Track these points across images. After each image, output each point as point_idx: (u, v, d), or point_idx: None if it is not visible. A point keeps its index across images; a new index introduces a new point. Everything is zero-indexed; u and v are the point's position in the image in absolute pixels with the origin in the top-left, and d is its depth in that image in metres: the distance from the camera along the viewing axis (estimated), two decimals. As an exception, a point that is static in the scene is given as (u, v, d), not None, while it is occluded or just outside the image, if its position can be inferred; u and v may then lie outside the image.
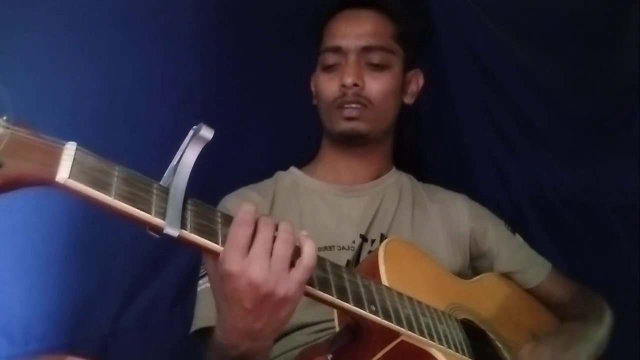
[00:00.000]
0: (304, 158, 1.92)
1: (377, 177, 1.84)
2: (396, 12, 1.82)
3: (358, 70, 1.72)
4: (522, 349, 1.42)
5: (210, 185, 1.70)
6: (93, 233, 1.71)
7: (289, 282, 1.03)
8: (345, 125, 1.73)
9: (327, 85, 1.77)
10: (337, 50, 1.76)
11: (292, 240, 1.04)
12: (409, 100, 1.87)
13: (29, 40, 1.63)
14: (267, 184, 1.83)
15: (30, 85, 1.62)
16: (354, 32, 1.76)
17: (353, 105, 1.71)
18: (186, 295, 1.86)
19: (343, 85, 1.71)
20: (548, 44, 1.99)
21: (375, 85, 1.73)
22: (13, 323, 1.65)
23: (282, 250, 1.03)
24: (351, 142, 1.77)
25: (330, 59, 1.77)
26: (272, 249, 1.03)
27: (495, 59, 2.12)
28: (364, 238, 1.71)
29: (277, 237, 1.04)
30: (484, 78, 2.17)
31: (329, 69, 1.78)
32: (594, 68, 1.93)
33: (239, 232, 1.02)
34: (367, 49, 1.74)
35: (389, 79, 1.76)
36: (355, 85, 1.71)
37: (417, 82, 1.89)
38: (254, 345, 1.13)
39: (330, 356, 1.29)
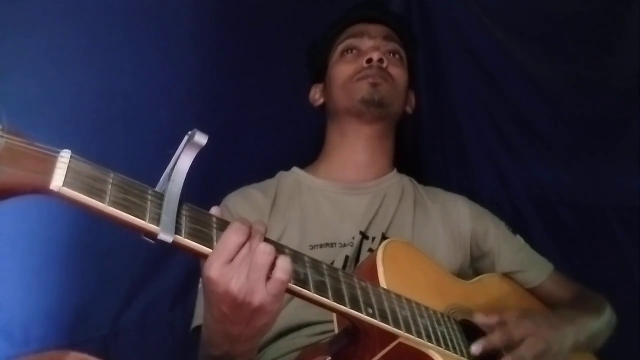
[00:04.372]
0: (305, 159, 1.92)
1: (379, 177, 1.85)
2: (402, 31, 1.94)
3: (381, 51, 1.82)
4: (507, 320, 1.40)
5: (212, 187, 1.72)
6: (93, 234, 1.71)
7: (264, 293, 1.04)
8: (369, 89, 1.77)
9: (347, 67, 1.84)
10: (359, 35, 1.87)
11: (271, 251, 1.05)
12: (408, 109, 1.96)
13: (29, 42, 1.64)
14: (269, 182, 1.84)
15: (30, 87, 1.63)
16: (372, 28, 1.89)
17: (377, 76, 1.78)
18: (186, 295, 1.86)
19: (369, 60, 1.79)
20: (548, 44, 1.99)
21: (396, 69, 1.84)
22: (13, 323, 1.65)
23: (261, 259, 1.03)
24: (370, 108, 1.78)
25: (352, 43, 1.88)
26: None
27: (495, 59, 2.13)
28: (363, 235, 1.71)
29: (258, 247, 1.04)
30: (484, 78, 2.17)
31: (347, 54, 1.87)
32: (594, 68, 1.93)
33: (230, 240, 1.03)
34: (386, 38, 1.88)
35: (404, 71, 1.88)
36: (380, 61, 1.79)
37: (412, 100, 1.97)
38: (233, 348, 1.16)
39: (329, 358, 1.29)
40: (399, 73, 1.84)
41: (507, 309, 1.58)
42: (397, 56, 1.87)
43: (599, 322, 1.64)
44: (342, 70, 1.85)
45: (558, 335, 1.45)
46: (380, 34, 1.87)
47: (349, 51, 1.87)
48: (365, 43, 1.85)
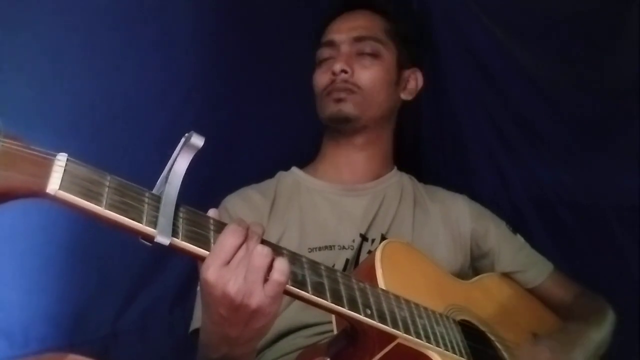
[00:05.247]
0: (305, 158, 1.92)
1: (378, 177, 1.84)
2: (387, 10, 1.90)
3: (348, 58, 1.78)
4: (521, 349, 1.42)
5: (211, 187, 1.72)
6: (92, 235, 1.71)
7: (262, 295, 1.04)
8: (333, 108, 1.76)
9: (320, 78, 1.82)
10: (331, 44, 1.83)
11: (269, 253, 1.04)
12: (406, 96, 1.90)
13: (29, 42, 1.63)
14: (268, 183, 1.83)
15: (30, 88, 1.62)
16: (346, 26, 1.85)
17: (341, 90, 1.75)
18: (185, 296, 1.86)
19: (333, 73, 1.76)
20: (548, 44, 1.98)
21: (366, 73, 1.78)
22: (13, 324, 1.66)
23: (258, 261, 1.03)
24: (340, 125, 1.78)
25: (324, 53, 1.85)
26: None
27: (495, 59, 2.12)
28: (363, 237, 1.71)
29: (255, 249, 1.04)
30: (484, 78, 2.17)
31: (322, 63, 1.84)
32: (594, 68, 1.92)
33: (226, 242, 1.03)
34: (358, 39, 1.81)
35: (380, 69, 1.80)
36: (344, 72, 1.75)
37: (415, 80, 1.91)
38: (231, 350, 1.16)
39: (327, 359, 1.29)
40: (368, 76, 1.77)
41: (510, 311, 1.61)
42: (369, 55, 1.80)
43: (605, 331, 1.65)
44: (316, 81, 1.84)
45: (572, 357, 1.48)
46: (351, 35, 1.81)
47: (324, 61, 1.84)
48: (336, 51, 1.81)
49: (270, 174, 1.87)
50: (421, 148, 2.36)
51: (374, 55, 1.81)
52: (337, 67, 1.75)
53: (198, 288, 1.56)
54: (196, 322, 1.55)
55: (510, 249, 1.80)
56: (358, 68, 1.77)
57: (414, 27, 2.01)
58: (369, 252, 1.66)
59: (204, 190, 1.55)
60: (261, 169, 1.89)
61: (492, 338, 1.48)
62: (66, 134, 1.63)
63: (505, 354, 1.47)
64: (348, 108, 1.75)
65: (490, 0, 2.07)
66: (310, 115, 1.93)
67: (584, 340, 1.55)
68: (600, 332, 1.63)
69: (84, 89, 1.74)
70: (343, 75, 1.75)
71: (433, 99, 2.18)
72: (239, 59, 2.03)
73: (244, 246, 1.04)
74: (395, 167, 1.91)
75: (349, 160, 1.83)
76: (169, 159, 1.04)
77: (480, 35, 2.12)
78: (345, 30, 1.83)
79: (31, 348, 1.65)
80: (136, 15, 1.81)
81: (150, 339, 1.91)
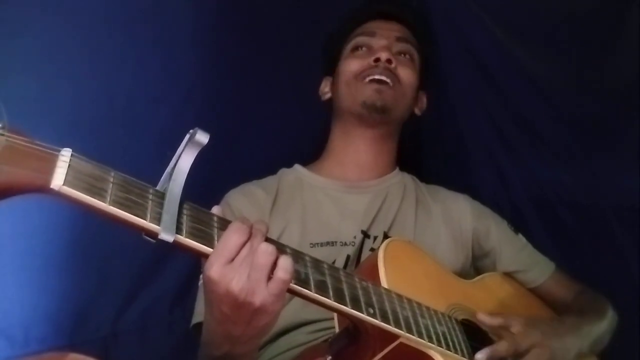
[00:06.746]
0: (305, 158, 1.92)
1: (381, 176, 1.85)
2: (417, 29, 1.94)
3: (391, 52, 1.81)
4: (513, 327, 1.41)
5: (213, 185, 1.72)
6: (93, 235, 1.71)
7: (265, 294, 1.03)
8: (372, 94, 1.76)
9: (355, 63, 1.83)
10: (371, 34, 1.86)
11: (273, 251, 1.04)
12: (417, 111, 1.95)
13: (29, 42, 1.64)
14: (270, 180, 1.84)
15: (31, 87, 1.62)
16: (387, 26, 1.89)
17: (384, 75, 1.77)
18: (185, 296, 1.86)
19: (377, 59, 1.78)
20: (548, 45, 1.99)
21: (405, 71, 1.83)
22: (13, 324, 1.66)
23: (262, 259, 1.03)
24: (372, 113, 1.76)
25: (363, 41, 1.87)
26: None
27: (495, 60, 2.12)
28: (365, 234, 1.71)
29: (259, 247, 1.04)
30: (484, 78, 2.17)
31: (359, 50, 1.86)
32: (594, 68, 1.92)
33: (230, 240, 1.03)
34: (399, 39, 1.87)
35: (414, 72, 1.86)
36: (389, 62, 1.77)
37: (422, 101, 1.96)
38: (234, 348, 1.16)
39: (329, 358, 1.29)
40: (407, 75, 1.82)
41: (511, 311, 1.60)
42: (407, 57, 1.86)
43: (602, 327, 1.64)
44: (349, 66, 1.83)
45: (563, 345, 1.47)
46: (393, 34, 1.86)
47: (360, 48, 1.86)
48: (377, 42, 1.84)
49: (271, 172, 1.87)
50: (421, 149, 2.36)
51: (411, 58, 1.86)
52: (384, 55, 1.78)
53: (199, 282, 1.56)
54: (197, 316, 1.55)
55: (511, 249, 1.80)
56: (398, 64, 1.80)
57: (434, 55, 2.04)
58: (371, 249, 1.67)
59: (204, 189, 1.54)
60: (262, 169, 1.89)
61: (494, 338, 1.48)
62: (66, 134, 1.60)
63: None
64: (387, 98, 1.76)
65: (491, 0, 2.07)
66: (310, 115, 1.93)
67: (579, 331, 1.55)
68: (598, 326, 1.63)
69: (84, 88, 1.74)
70: (387, 65, 1.77)
71: (434, 100, 2.18)
72: (239, 59, 2.03)
73: (248, 244, 1.04)
74: (397, 168, 1.91)
75: (357, 156, 1.84)
76: (169, 158, 1.04)
77: (480, 35, 2.12)
78: (386, 28, 1.88)
79: (31, 348, 1.65)
80: (136, 15, 1.81)
81: (150, 339, 1.91)
